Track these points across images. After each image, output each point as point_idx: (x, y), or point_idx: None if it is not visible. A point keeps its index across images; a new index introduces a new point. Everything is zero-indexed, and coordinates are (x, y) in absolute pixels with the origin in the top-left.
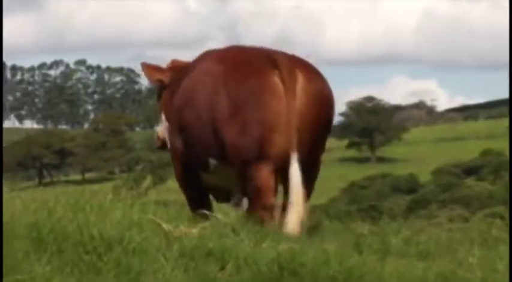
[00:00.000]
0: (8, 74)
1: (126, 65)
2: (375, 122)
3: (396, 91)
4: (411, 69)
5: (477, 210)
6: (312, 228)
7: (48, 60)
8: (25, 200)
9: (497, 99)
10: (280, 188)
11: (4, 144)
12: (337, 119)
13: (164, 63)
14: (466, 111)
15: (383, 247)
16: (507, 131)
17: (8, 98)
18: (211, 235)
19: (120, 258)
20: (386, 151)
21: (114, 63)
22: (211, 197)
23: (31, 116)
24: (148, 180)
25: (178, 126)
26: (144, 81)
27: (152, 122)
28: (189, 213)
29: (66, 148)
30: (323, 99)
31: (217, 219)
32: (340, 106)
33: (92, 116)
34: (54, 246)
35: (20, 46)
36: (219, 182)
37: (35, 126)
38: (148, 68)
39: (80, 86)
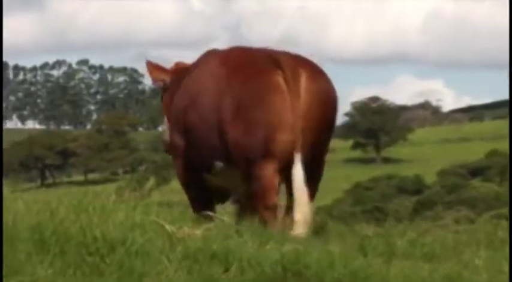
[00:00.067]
0: (10, 74)
1: (129, 65)
2: (380, 123)
3: (401, 91)
4: (417, 69)
5: (483, 212)
6: (316, 229)
7: (51, 60)
8: (27, 202)
9: (503, 99)
10: (283, 189)
11: (6, 145)
12: (341, 119)
13: (168, 64)
14: (472, 112)
15: (388, 249)
16: None
17: (10, 99)
18: (215, 237)
19: (123, 260)
20: (391, 152)
21: (117, 63)
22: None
23: (33, 116)
24: (151, 181)
25: (183, 128)
26: (147, 81)
27: (156, 122)
28: (193, 215)
29: (68, 149)
30: (327, 99)
31: (221, 220)
32: (345, 106)
33: (94, 116)
34: (56, 247)
35: (22, 46)
36: (222, 183)
37: (37, 126)
38: (153, 67)
39: (83, 86)
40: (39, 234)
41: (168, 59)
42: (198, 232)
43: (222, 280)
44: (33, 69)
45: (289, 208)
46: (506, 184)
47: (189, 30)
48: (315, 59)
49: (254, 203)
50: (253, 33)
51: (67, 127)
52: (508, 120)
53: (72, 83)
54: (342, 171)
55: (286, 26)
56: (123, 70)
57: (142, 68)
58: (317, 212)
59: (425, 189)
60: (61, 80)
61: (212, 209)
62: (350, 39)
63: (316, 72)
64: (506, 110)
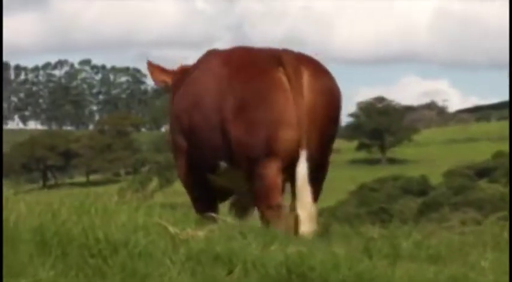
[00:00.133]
0: (11, 74)
1: (131, 64)
2: (385, 123)
3: (407, 91)
4: (423, 69)
5: (490, 213)
6: (320, 231)
7: (53, 60)
8: (29, 203)
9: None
10: (288, 189)
11: (8, 146)
12: (346, 120)
13: (170, 64)
14: (478, 112)
15: (393, 251)
16: None
17: (12, 99)
18: (218, 238)
19: (126, 262)
20: (396, 152)
21: (120, 63)
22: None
23: (35, 116)
24: (154, 183)
25: (185, 128)
26: (150, 81)
27: (159, 122)
28: (196, 216)
29: (70, 149)
30: (330, 97)
31: (224, 221)
32: (350, 107)
33: (97, 116)
34: (58, 249)
35: (24, 46)
36: (226, 184)
37: (39, 127)
38: (154, 68)
39: (85, 86)
40: (41, 235)
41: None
42: (201, 233)
43: None
44: (35, 69)
45: (293, 207)
46: None
47: (191, 30)
48: (318, 58)
49: (257, 203)
50: (257, 33)
51: (69, 128)
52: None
53: (74, 83)
54: (347, 172)
55: (290, 26)
56: (125, 70)
57: (144, 68)
58: (321, 213)
59: (431, 191)
60: (63, 80)
61: (215, 210)
62: (355, 39)
63: (319, 70)
64: None
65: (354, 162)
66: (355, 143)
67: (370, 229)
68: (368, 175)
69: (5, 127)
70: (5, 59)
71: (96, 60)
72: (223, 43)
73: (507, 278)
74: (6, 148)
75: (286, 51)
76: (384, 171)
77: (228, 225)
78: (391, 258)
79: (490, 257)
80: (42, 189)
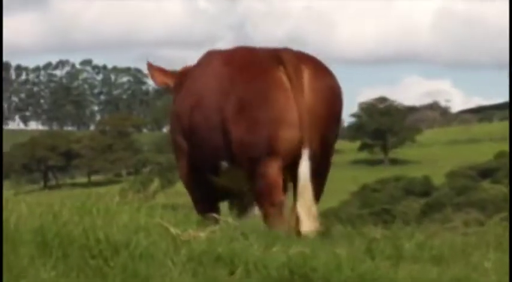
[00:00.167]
0: (12, 74)
1: (133, 65)
2: (387, 124)
3: (409, 91)
4: (425, 69)
5: (493, 214)
6: (323, 232)
7: (54, 60)
8: (30, 204)
9: None
10: (289, 189)
11: (8, 146)
12: (349, 120)
13: (172, 63)
14: (481, 113)
15: (396, 252)
16: None
17: (13, 99)
18: (220, 239)
19: (127, 263)
20: (399, 153)
21: (121, 63)
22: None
23: (36, 117)
24: (156, 183)
25: (187, 129)
26: (151, 82)
27: (160, 123)
28: (198, 217)
29: (72, 150)
30: (331, 95)
31: (226, 222)
32: (352, 107)
33: (98, 117)
34: (59, 250)
35: (25, 46)
36: (227, 184)
37: (40, 127)
38: (154, 70)
39: (86, 86)
40: (42, 236)
41: (172, 59)
42: (203, 234)
43: None
44: (36, 69)
45: (294, 208)
46: None
47: (193, 29)
48: (319, 58)
49: (260, 201)
50: (259, 33)
51: (70, 128)
52: None
53: (75, 84)
54: (349, 172)
55: (292, 26)
56: (126, 70)
57: (146, 69)
58: (324, 214)
59: (433, 191)
60: (64, 80)
61: (217, 211)
62: (357, 39)
63: (319, 68)
64: None
65: (356, 162)
66: (357, 144)
67: (372, 230)
68: (370, 176)
69: (5, 127)
70: (5, 59)
71: (98, 61)
72: (226, 43)
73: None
74: (6, 149)
75: (286, 50)
76: (386, 171)
77: (230, 226)
78: (394, 259)
79: (493, 258)
80: (43, 190)
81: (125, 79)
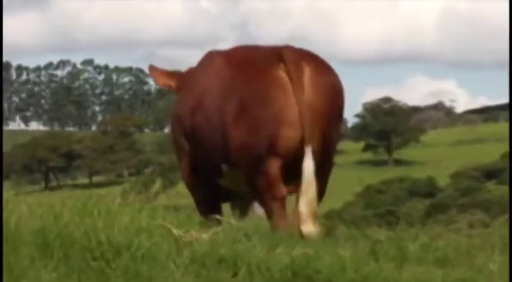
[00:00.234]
0: (13, 74)
1: (135, 64)
2: (391, 124)
3: (414, 92)
4: (430, 69)
5: (498, 215)
6: (326, 233)
7: (55, 60)
8: (31, 205)
9: None
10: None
11: (9, 147)
12: (352, 121)
13: (175, 63)
14: (486, 113)
15: (400, 254)
16: None
17: (13, 99)
18: (223, 240)
19: (129, 265)
20: (403, 154)
21: (123, 63)
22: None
23: (37, 117)
24: (157, 184)
25: (189, 129)
26: (153, 82)
27: (162, 123)
28: (200, 218)
29: (73, 151)
30: (332, 92)
31: (228, 223)
32: (356, 107)
33: (99, 117)
34: (60, 252)
35: (25, 45)
36: (229, 185)
37: (41, 128)
38: (156, 72)
39: (88, 86)
40: (43, 238)
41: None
42: (205, 236)
43: None
44: (37, 69)
45: (298, 205)
46: None
47: (196, 29)
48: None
49: (262, 197)
50: (262, 32)
51: (71, 128)
52: None
53: (76, 84)
54: (353, 173)
55: (295, 25)
56: (128, 70)
57: (147, 68)
58: (328, 215)
59: (438, 192)
60: (65, 81)
61: (219, 212)
62: (361, 38)
63: (320, 66)
64: None
65: (360, 163)
66: (361, 144)
67: (376, 231)
68: (374, 176)
69: (6, 128)
70: (6, 59)
71: (99, 60)
72: (228, 42)
73: None
74: (7, 149)
75: (287, 48)
76: (391, 172)
77: (233, 227)
78: (398, 260)
79: (498, 260)
80: (44, 191)
81: (126, 79)
